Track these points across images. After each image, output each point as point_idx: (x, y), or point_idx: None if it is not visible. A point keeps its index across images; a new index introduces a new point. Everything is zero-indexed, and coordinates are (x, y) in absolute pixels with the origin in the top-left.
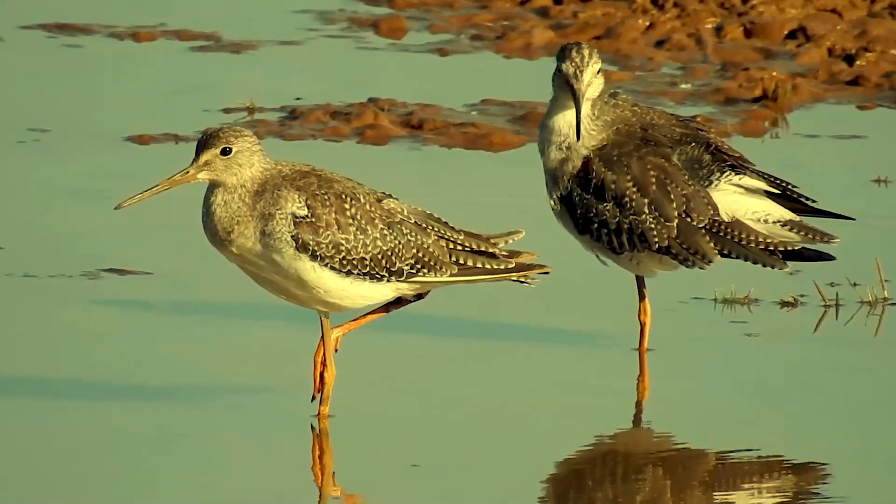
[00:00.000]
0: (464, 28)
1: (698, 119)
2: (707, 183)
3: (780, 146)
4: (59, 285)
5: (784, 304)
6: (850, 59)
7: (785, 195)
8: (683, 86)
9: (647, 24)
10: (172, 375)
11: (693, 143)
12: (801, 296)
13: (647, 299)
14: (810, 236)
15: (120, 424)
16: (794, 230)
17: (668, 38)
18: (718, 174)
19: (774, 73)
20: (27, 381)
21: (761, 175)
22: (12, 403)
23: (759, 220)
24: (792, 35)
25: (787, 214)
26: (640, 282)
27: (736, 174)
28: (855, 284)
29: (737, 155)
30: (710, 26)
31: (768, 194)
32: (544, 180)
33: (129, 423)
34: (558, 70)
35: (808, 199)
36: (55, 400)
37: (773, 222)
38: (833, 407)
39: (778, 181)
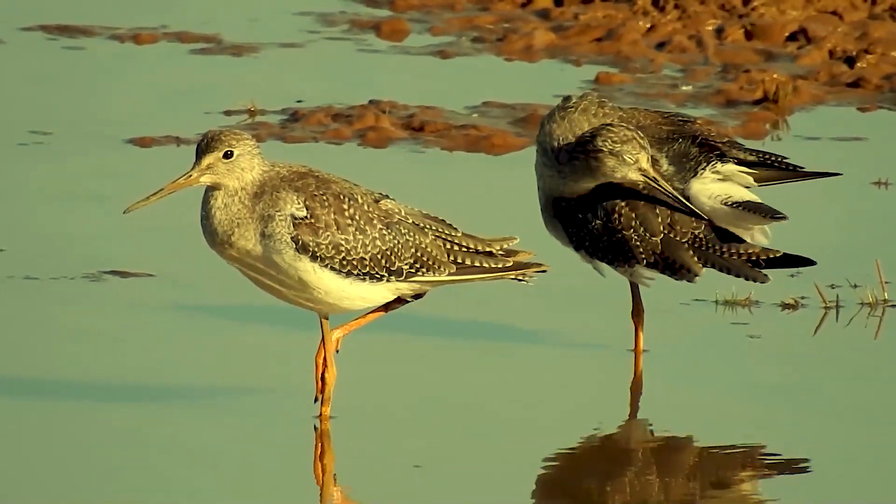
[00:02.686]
0: (465, 30)
1: (699, 121)
2: (693, 174)
3: (781, 148)
4: (61, 287)
5: (785, 305)
6: (850, 61)
7: (774, 166)
8: (684, 88)
9: (648, 25)
10: (174, 377)
11: (680, 140)
12: (802, 297)
13: (640, 300)
14: (761, 214)
15: (121, 426)
16: (749, 210)
17: (668, 40)
18: (705, 164)
19: (775, 75)
20: (28, 382)
21: (751, 152)
22: (13, 405)
23: (720, 203)
24: (793, 37)
25: (747, 196)
26: (634, 284)
27: (722, 162)
28: (855, 286)
29: (724, 140)
30: (710, 28)
31: (756, 165)
32: (537, 195)
33: (130, 425)
34: (611, 154)
35: (796, 166)
36: (56, 401)
37: (731, 204)
38: (833, 409)
39: (766, 155)
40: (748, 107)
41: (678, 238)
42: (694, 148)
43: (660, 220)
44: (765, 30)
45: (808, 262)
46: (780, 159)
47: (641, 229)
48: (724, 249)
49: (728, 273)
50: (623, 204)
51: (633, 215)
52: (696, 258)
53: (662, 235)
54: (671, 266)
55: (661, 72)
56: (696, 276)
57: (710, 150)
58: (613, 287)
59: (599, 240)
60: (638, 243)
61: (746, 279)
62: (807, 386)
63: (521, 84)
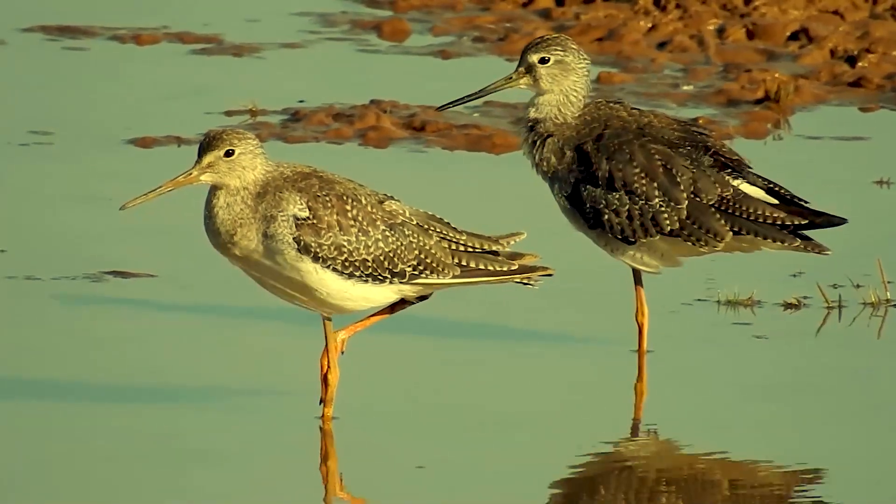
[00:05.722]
0: (466, 30)
1: (700, 120)
2: None
3: (783, 148)
4: (62, 288)
5: (787, 305)
6: (852, 61)
7: (782, 199)
8: (685, 87)
9: (650, 25)
10: (176, 377)
11: (691, 147)
12: (804, 297)
13: (644, 300)
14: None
15: (123, 426)
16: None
17: (670, 40)
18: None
19: (777, 75)
20: (30, 382)
21: (758, 178)
22: (15, 405)
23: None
24: (794, 36)
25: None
26: (638, 280)
27: (734, 179)
28: (858, 286)
29: (735, 158)
30: (712, 28)
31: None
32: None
33: (133, 425)
34: None
35: (802, 200)
36: (57, 401)
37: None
38: (836, 408)
39: (772, 185)
40: (749, 106)
41: (705, 202)
42: (706, 158)
43: (682, 187)
44: (766, 29)
45: (835, 222)
46: (785, 191)
47: (666, 198)
48: (751, 211)
49: (756, 235)
50: (642, 175)
51: (656, 184)
52: (723, 222)
53: (687, 202)
54: (696, 232)
55: (663, 71)
56: (723, 240)
57: (721, 165)
58: (617, 287)
59: (619, 213)
60: (664, 209)
61: (774, 241)
62: (809, 386)
63: None
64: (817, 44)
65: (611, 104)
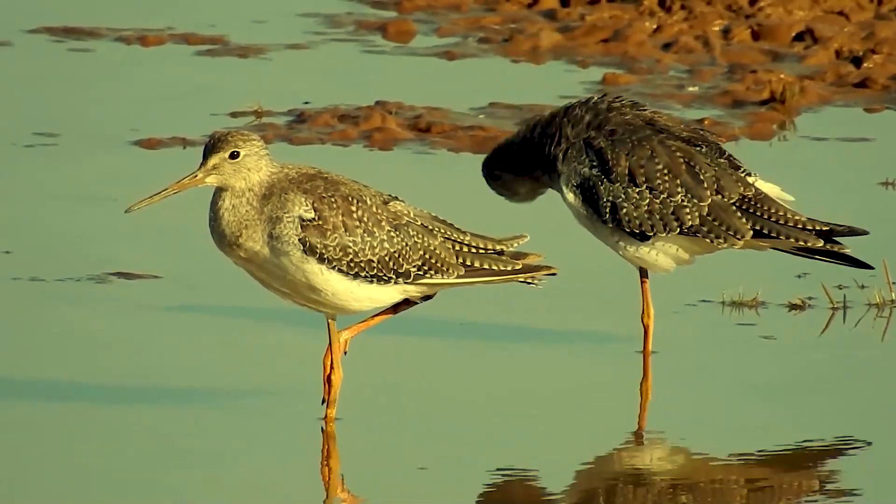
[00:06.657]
0: (471, 31)
1: (706, 121)
2: None
3: (788, 149)
4: (67, 289)
5: (792, 306)
6: (857, 62)
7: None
8: (691, 88)
9: (655, 26)
10: (180, 378)
11: (704, 148)
12: (809, 298)
13: (650, 301)
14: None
15: (127, 427)
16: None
17: (675, 41)
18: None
19: (782, 76)
20: (33, 383)
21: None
22: (20, 406)
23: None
24: (799, 37)
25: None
26: (643, 280)
27: (751, 177)
28: (863, 287)
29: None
30: (717, 28)
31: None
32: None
33: (137, 426)
34: None
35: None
36: (63, 403)
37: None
38: (841, 410)
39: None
40: (755, 107)
41: (727, 200)
42: (722, 159)
43: (706, 185)
44: (771, 30)
45: (857, 232)
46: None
47: (689, 195)
48: (772, 212)
49: (777, 237)
50: (666, 170)
51: (679, 181)
52: (744, 220)
53: (710, 200)
54: (716, 229)
55: (668, 72)
56: (743, 237)
57: (736, 167)
58: (621, 288)
59: (640, 207)
60: (685, 205)
61: (797, 241)
62: (814, 387)
63: (528, 85)
64: (822, 44)
65: (599, 103)
